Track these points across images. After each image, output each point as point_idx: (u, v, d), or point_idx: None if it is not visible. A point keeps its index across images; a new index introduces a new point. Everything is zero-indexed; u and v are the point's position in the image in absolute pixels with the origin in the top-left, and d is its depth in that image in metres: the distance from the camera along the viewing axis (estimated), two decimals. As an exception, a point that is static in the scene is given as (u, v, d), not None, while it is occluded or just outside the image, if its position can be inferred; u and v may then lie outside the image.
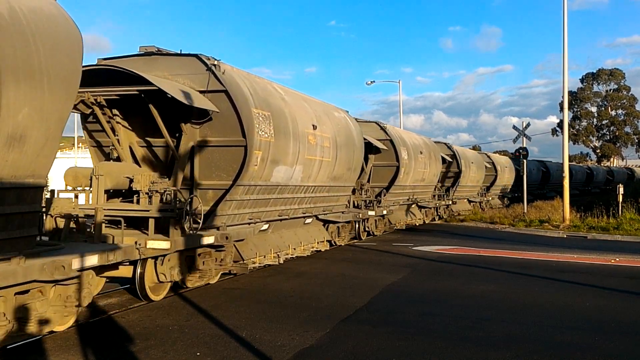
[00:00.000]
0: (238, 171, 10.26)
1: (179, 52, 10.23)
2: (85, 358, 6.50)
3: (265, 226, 12.28)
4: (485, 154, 38.22)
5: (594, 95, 77.96)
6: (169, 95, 8.71)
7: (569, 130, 28.69)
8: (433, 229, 24.36)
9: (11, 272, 5.89)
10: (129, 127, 10.54)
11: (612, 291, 10.56)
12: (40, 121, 5.97)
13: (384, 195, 19.55)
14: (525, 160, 27.70)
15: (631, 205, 24.14)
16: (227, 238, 9.87)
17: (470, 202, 33.33)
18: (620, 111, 77.25)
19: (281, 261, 12.61)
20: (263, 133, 10.57)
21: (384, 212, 19.23)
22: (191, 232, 9.06)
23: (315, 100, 14.48)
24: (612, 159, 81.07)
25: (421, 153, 22.18)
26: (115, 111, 10.23)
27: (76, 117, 22.52)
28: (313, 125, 13.04)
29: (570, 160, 27.97)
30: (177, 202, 9.05)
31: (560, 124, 58.43)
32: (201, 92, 9.90)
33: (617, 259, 14.66)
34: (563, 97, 25.54)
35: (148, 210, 8.79)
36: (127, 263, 8.90)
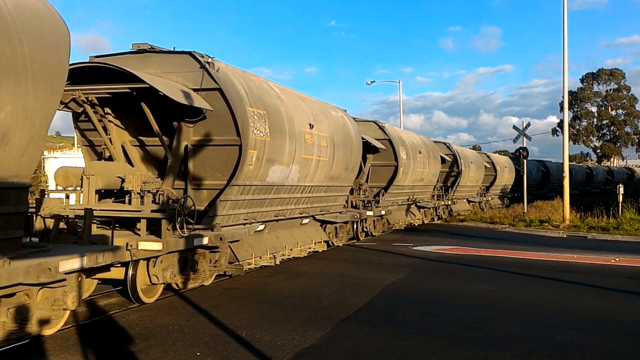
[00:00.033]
0: (233, 171, 10.08)
1: (172, 49, 10.03)
2: (85, 358, 6.48)
3: (261, 227, 12.10)
4: (485, 153, 38.04)
5: (594, 95, 77.92)
6: (161, 93, 8.53)
7: (569, 130, 28.56)
8: (433, 229, 24.27)
9: (-6, 275, 5.72)
10: (122, 126, 10.35)
11: (612, 291, 10.53)
12: (24, 119, 5.79)
13: (383, 195, 19.36)
14: (525, 160, 27.59)
15: (631, 205, 24.13)
16: (221, 239, 9.68)
17: (469, 202, 33.15)
18: (620, 111, 77.20)
19: (277, 262, 12.44)
20: (258, 132, 10.39)
21: (383, 212, 19.05)
22: (184, 233, 8.87)
23: (312, 99, 14.29)
24: (612, 159, 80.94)
25: (420, 153, 22.00)
26: (107, 110, 10.05)
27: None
28: (310, 124, 12.86)
29: (570, 160, 27.86)
30: (170, 203, 8.87)
31: (561, 124, 58.29)
32: (195, 90, 9.72)
33: (617, 259, 14.60)
34: (563, 97, 25.50)
35: (139, 211, 8.61)
36: (119, 265, 8.75)
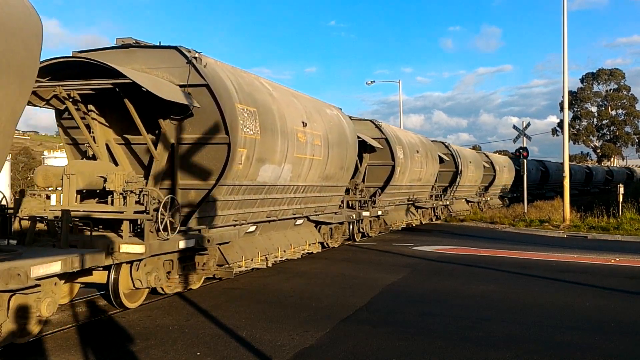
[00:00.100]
0: (221, 170, 9.70)
1: (158, 44, 9.66)
2: (85, 358, 6.45)
3: (253, 228, 11.73)
4: (484, 153, 37.69)
5: (594, 95, 77.72)
6: (144, 89, 8.15)
7: (569, 130, 28.36)
8: (433, 229, 24.08)
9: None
10: (106, 124, 9.97)
11: (612, 291, 10.49)
12: (-10, 115, 5.41)
13: (379, 195, 18.99)
14: (525, 160, 27.36)
15: (631, 205, 24.11)
16: (208, 241, 9.33)
17: (468, 202, 32.79)
18: (620, 111, 76.98)
19: (269, 264, 12.08)
20: (248, 130, 10.02)
21: (379, 212, 18.68)
22: (169, 235, 8.50)
23: (305, 97, 13.92)
24: (612, 159, 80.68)
25: (417, 152, 21.63)
26: (90, 107, 9.67)
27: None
28: (303, 122, 12.49)
29: (570, 160, 27.64)
30: (154, 203, 8.51)
31: (561, 124, 58.03)
32: (181, 86, 9.34)
33: (618, 259, 14.53)
34: (563, 97, 25.43)
35: (121, 212, 8.23)
36: (101, 268, 8.40)
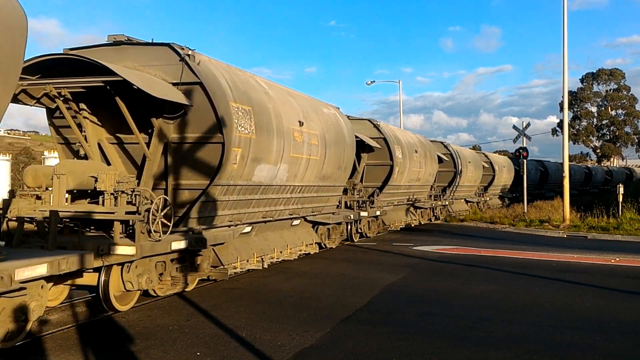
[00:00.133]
0: (215, 170, 9.52)
1: (150, 41, 9.47)
2: (85, 358, 6.43)
3: (248, 228, 11.55)
4: (483, 153, 37.51)
5: (594, 95, 77.61)
6: (135, 87, 7.97)
7: (569, 130, 28.28)
8: (433, 229, 23.99)
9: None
10: (98, 123, 9.79)
11: (612, 291, 10.47)
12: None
13: (377, 195, 18.80)
14: (525, 160, 27.27)
15: (631, 205, 24.13)
16: (202, 242, 9.13)
17: (467, 202, 32.62)
18: (620, 111, 76.88)
19: (265, 265, 11.90)
20: (243, 129, 9.84)
21: (377, 212, 18.50)
22: (161, 236, 8.32)
23: (302, 95, 13.74)
24: (612, 159, 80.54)
25: (416, 152, 21.45)
26: (82, 105, 9.49)
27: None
28: (299, 122, 12.30)
29: (570, 160, 27.58)
30: (146, 204, 8.32)
31: (560, 124, 57.87)
32: (174, 84, 9.16)
33: (618, 259, 14.49)
34: (563, 97, 25.39)
35: (112, 213, 8.05)
36: (91, 270, 8.21)
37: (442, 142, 28.42)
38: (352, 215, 16.76)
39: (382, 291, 10.20)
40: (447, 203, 28.03)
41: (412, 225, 23.97)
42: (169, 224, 8.45)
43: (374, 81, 41.88)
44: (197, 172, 9.63)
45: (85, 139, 9.51)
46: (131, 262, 8.14)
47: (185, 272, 9.47)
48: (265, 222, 12.04)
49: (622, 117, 76.43)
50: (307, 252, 14.26)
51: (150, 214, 8.00)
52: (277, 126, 11.16)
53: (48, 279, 6.88)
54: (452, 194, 28.82)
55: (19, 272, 5.94)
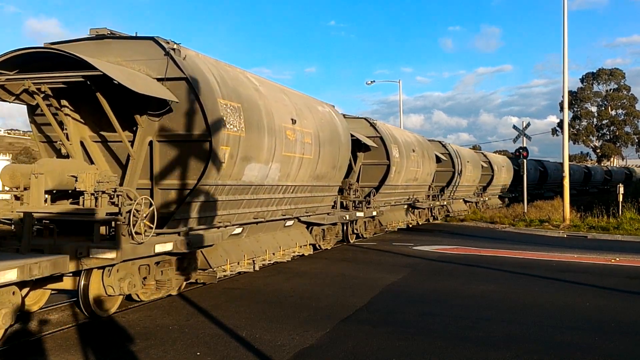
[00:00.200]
0: (203, 169, 9.14)
1: (134, 34, 9.10)
2: (85, 358, 6.41)
3: (239, 230, 11.18)
4: (482, 153, 37.15)
5: (594, 95, 77.38)
6: (116, 82, 7.59)
7: (569, 130, 28.08)
8: (433, 228, 23.84)
9: None
10: (81, 120, 9.41)
11: (612, 291, 10.45)
12: None
13: (374, 195, 18.43)
14: (525, 160, 27.07)
15: (631, 205, 24.12)
16: (188, 244, 8.76)
17: (466, 202, 32.25)
18: (620, 111, 76.65)
19: (257, 268, 11.54)
20: (231, 127, 9.47)
21: (374, 213, 18.12)
22: (143, 238, 7.94)
23: (295, 93, 13.36)
24: (612, 159, 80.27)
25: (414, 151, 21.08)
26: (64, 102, 9.11)
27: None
28: (292, 120, 11.93)
29: (570, 160, 27.38)
30: (129, 205, 7.95)
31: (560, 124, 57.64)
32: (159, 79, 8.78)
33: (618, 259, 14.43)
34: (563, 96, 25.34)
35: (92, 214, 7.67)
36: (70, 275, 7.85)
37: (440, 142, 28.05)
38: (347, 216, 16.39)
39: (382, 291, 10.18)
40: (445, 203, 27.67)
41: (410, 226, 23.62)
42: (151, 225, 8.06)
43: (374, 81, 41.95)
44: (183, 171, 9.25)
45: (67, 137, 9.13)
46: (112, 265, 7.78)
47: (170, 276, 9.09)
48: (256, 223, 11.67)
49: (622, 117, 76.17)
50: (301, 254, 13.90)
51: (132, 215, 7.60)
52: (268, 124, 10.79)
53: (22, 284, 6.53)
54: (450, 194, 28.46)
55: (-15, 278, 5.57)
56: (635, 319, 8.25)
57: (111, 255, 7.37)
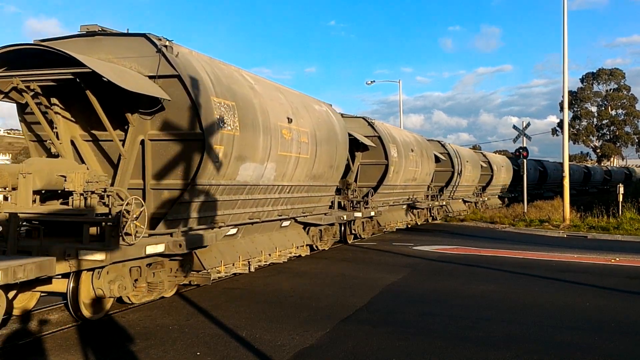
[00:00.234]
0: (196, 169, 8.95)
1: (126, 31, 8.90)
2: (85, 358, 6.41)
3: (233, 230, 10.99)
4: (481, 152, 36.97)
5: (594, 95, 77.27)
6: (105, 79, 7.40)
7: (569, 130, 27.98)
8: (433, 228, 23.79)
9: None
10: (72, 119, 9.21)
11: (612, 291, 10.46)
12: None
13: (372, 195, 18.24)
14: (525, 160, 26.95)
15: (631, 205, 24.13)
16: (180, 246, 8.56)
17: (465, 202, 32.08)
18: (620, 111, 76.54)
19: (252, 269, 11.36)
20: (225, 125, 9.28)
21: (372, 213, 17.92)
22: (134, 239, 7.75)
23: (292, 91, 13.17)
24: (612, 159, 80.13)
25: (412, 151, 20.89)
26: (54, 100, 8.91)
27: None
28: (288, 118, 11.74)
29: (570, 160, 27.30)
30: (120, 205, 7.76)
31: (560, 124, 57.53)
32: (151, 77, 8.58)
33: (618, 259, 14.45)
34: (563, 96, 25.33)
35: (81, 214, 7.48)
36: (60, 276, 7.67)
37: (439, 141, 27.87)
38: (345, 216, 16.20)
39: (382, 291, 10.18)
40: (444, 203, 27.49)
41: (409, 226, 23.44)
42: (142, 227, 7.87)
43: (374, 81, 41.96)
44: (176, 171, 9.06)
45: (57, 136, 8.93)
46: (102, 267, 7.59)
47: (163, 278, 8.90)
48: (252, 223, 11.48)
49: (622, 116, 76.05)
50: (297, 255, 13.71)
51: (121, 216, 7.41)
52: (263, 123, 10.60)
53: (7, 287, 6.34)
54: (449, 194, 28.27)
55: (-33, 281, 5.38)
56: (635, 319, 8.25)
57: (100, 256, 7.19)
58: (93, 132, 9.32)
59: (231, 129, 9.45)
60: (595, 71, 77.52)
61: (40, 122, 8.77)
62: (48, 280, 7.60)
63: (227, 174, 9.69)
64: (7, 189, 7.94)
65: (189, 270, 9.50)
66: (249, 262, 11.25)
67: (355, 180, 18.27)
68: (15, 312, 7.99)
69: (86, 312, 7.72)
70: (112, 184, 8.71)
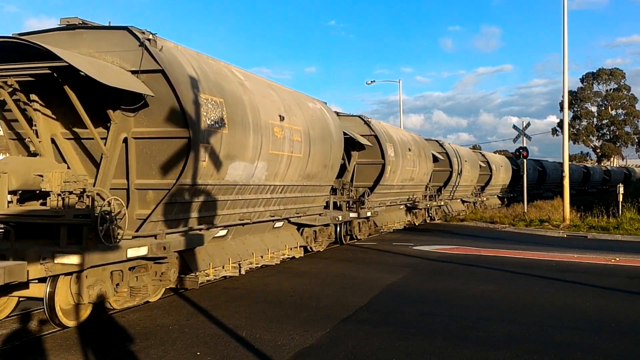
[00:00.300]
0: (182, 168, 8.58)
1: (107, 24, 8.54)
2: (85, 358, 6.39)
3: (223, 232, 10.63)
4: (480, 152, 36.61)
5: (594, 95, 77.02)
6: (82, 73, 7.03)
7: (569, 129, 27.72)
8: (434, 228, 23.56)
9: None
10: (52, 116, 8.84)
11: (612, 291, 10.41)
12: None
13: (368, 195, 17.87)
14: (525, 160, 26.68)
15: (631, 204, 23.96)
16: (165, 248, 8.21)
17: (463, 202, 31.71)
18: (620, 111, 76.28)
19: (243, 272, 11.01)
20: (213, 123, 8.92)
21: (368, 214, 17.56)
22: (113, 242, 7.38)
23: (284, 88, 12.80)
24: (612, 159, 79.85)
25: (410, 150, 20.52)
26: (33, 96, 8.55)
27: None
28: (280, 116, 11.37)
29: (570, 160, 27.03)
30: (98, 206, 7.40)
31: (560, 124, 57.28)
32: (133, 72, 8.22)
33: (618, 259, 14.36)
34: (563, 96, 25.12)
35: (56, 215, 7.11)
36: (36, 281, 7.30)
37: (437, 141, 27.49)
38: (340, 217, 15.84)
39: (382, 291, 10.16)
40: (442, 203, 27.14)
41: (406, 227, 23.09)
42: (123, 228, 7.50)
43: (374, 81, 41.85)
44: (161, 170, 8.70)
45: (37, 133, 8.57)
46: (80, 271, 7.22)
47: (147, 282, 8.53)
48: (242, 224, 11.11)
49: (622, 116, 75.78)
50: (291, 256, 13.35)
51: (99, 218, 7.04)
52: (253, 120, 10.24)
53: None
54: (447, 194, 27.91)
55: None
56: (635, 319, 8.21)
57: (75, 260, 6.82)
58: (75, 129, 8.96)
59: (219, 127, 9.09)
60: (595, 71, 77.37)
61: (18, 119, 8.40)
62: (25, 284, 7.24)
63: (214, 174, 9.33)
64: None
65: (175, 273, 9.14)
66: (239, 264, 10.90)
67: (352, 180, 17.90)
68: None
69: (64, 319, 7.34)
70: (94, 184, 8.35)
